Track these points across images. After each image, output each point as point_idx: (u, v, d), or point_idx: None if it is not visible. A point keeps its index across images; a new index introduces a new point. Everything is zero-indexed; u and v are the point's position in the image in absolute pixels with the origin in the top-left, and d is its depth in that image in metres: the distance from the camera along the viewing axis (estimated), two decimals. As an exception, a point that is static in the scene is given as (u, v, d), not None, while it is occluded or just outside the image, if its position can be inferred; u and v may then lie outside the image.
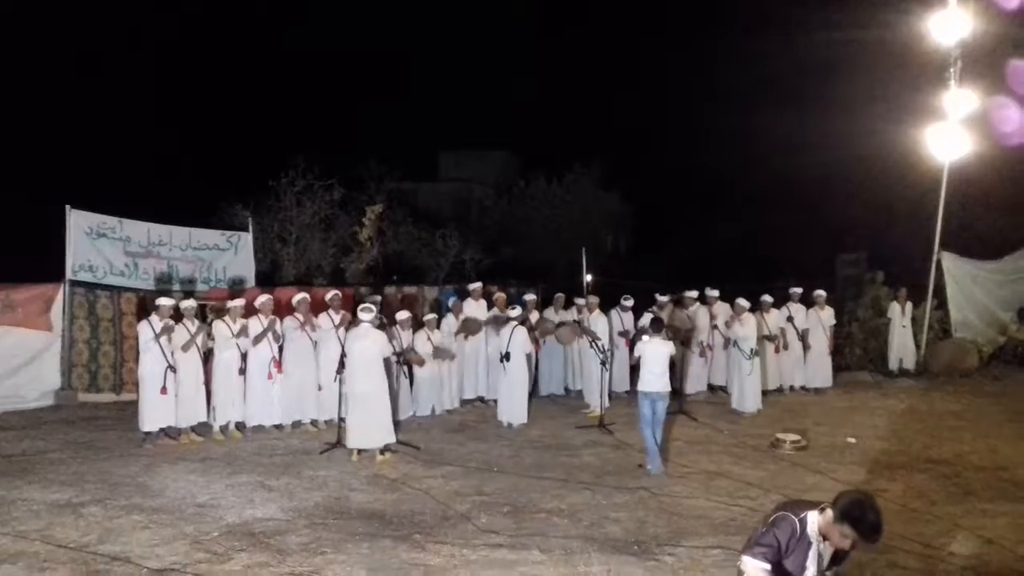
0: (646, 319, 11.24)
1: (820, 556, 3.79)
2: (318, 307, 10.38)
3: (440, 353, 11.00)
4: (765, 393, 11.83)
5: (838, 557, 3.89)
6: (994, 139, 14.36)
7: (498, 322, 11.56)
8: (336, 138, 25.38)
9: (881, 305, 14.85)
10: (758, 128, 22.23)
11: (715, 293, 12.88)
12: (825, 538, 3.77)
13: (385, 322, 10.18)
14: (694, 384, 12.63)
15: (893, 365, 14.31)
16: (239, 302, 9.91)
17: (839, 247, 18.12)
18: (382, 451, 8.73)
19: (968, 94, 13.65)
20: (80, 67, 22.80)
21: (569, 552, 5.99)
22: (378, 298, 11.21)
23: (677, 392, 11.85)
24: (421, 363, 10.73)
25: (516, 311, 10.90)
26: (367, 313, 8.89)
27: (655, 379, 8.41)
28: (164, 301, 9.43)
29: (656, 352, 8.47)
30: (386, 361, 9.11)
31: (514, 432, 10.21)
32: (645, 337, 8.86)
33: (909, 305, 14.36)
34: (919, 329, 14.55)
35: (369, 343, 8.79)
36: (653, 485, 7.73)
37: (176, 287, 11.97)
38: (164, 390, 9.13)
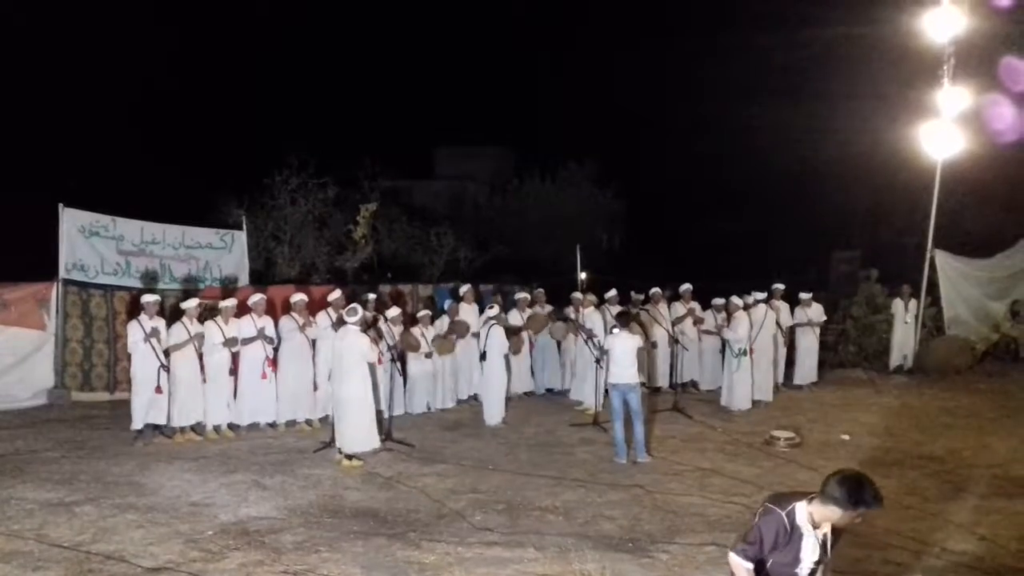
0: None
1: (820, 544, 3.72)
2: (315, 306, 10.36)
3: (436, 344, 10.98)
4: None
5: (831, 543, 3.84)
6: (987, 137, 14.41)
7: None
8: (330, 136, 25.22)
9: (876, 302, 14.87)
10: (752, 125, 22.24)
11: (687, 286, 12.84)
12: (817, 526, 3.70)
13: (375, 316, 10.17)
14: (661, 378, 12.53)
15: (896, 362, 14.28)
16: (231, 302, 9.84)
17: (834, 244, 18.20)
18: (349, 457, 8.41)
19: (961, 92, 13.69)
20: (74, 64, 22.65)
21: (564, 550, 6.00)
22: (372, 296, 11.12)
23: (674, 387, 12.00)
24: (417, 347, 10.67)
25: (493, 310, 10.83)
26: (352, 315, 8.64)
27: (623, 371, 8.72)
28: (149, 298, 9.33)
29: (624, 345, 8.78)
30: (372, 364, 8.88)
31: (508, 430, 10.21)
32: (615, 331, 9.10)
33: (913, 302, 14.34)
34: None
35: (347, 345, 8.55)
36: (648, 483, 7.75)
37: (172, 286, 11.93)
38: (159, 389, 9.10)
